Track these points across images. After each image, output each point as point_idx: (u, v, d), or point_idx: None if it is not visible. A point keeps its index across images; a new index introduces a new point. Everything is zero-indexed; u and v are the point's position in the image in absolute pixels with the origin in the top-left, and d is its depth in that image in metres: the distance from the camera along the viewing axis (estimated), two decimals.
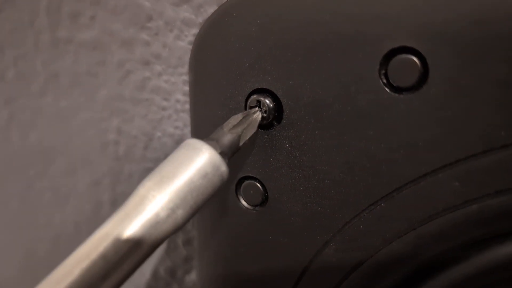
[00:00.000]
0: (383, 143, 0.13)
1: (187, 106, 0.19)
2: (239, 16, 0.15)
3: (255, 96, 0.15)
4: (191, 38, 0.18)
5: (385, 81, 0.13)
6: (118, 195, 0.23)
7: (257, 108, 0.15)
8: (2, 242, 0.28)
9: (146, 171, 0.22)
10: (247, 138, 0.14)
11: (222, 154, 0.13)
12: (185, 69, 0.19)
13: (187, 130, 0.19)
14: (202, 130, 0.17)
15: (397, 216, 0.14)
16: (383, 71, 0.13)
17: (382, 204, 0.14)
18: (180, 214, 0.12)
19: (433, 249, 0.14)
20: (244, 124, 0.14)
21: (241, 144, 0.14)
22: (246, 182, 0.16)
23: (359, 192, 0.14)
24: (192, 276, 0.22)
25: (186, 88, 0.19)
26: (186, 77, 0.19)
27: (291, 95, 0.14)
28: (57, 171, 0.25)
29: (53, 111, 0.23)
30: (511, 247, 0.13)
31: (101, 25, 0.20)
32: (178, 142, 0.20)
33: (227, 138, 0.14)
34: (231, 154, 0.14)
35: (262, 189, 0.16)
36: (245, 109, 0.15)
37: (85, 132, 0.23)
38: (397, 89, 0.13)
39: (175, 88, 0.19)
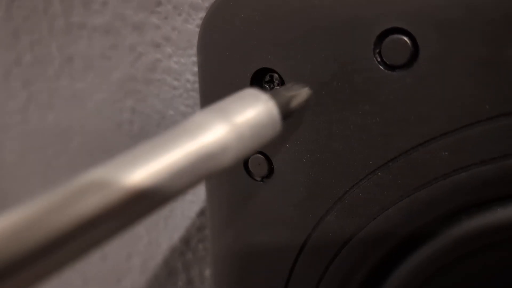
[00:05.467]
0: (379, 117, 0.14)
1: (197, 86, 0.20)
2: (242, 1, 0.15)
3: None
4: (198, 21, 0.18)
5: (379, 59, 0.14)
6: None
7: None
8: None
9: None
10: (299, 101, 0.14)
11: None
12: (193, 50, 0.19)
13: (197, 108, 0.20)
14: None
15: (393, 184, 0.15)
16: (377, 50, 0.14)
17: (379, 173, 0.15)
18: (231, 160, 0.11)
19: (426, 216, 0.15)
20: (294, 91, 0.14)
21: (292, 105, 0.13)
22: (253, 156, 0.17)
23: (357, 162, 0.15)
24: (205, 244, 0.23)
25: (195, 68, 0.20)
26: (195, 59, 0.19)
27: (292, 74, 0.15)
28: (74, 149, 0.26)
29: (69, 93, 0.24)
30: (498, 213, 0.14)
31: (112, 11, 0.20)
32: None
33: (283, 98, 0.13)
34: (283, 116, 0.13)
35: (268, 162, 0.17)
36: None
37: (101, 112, 0.23)
38: (390, 67, 0.14)
39: (185, 68, 0.20)
